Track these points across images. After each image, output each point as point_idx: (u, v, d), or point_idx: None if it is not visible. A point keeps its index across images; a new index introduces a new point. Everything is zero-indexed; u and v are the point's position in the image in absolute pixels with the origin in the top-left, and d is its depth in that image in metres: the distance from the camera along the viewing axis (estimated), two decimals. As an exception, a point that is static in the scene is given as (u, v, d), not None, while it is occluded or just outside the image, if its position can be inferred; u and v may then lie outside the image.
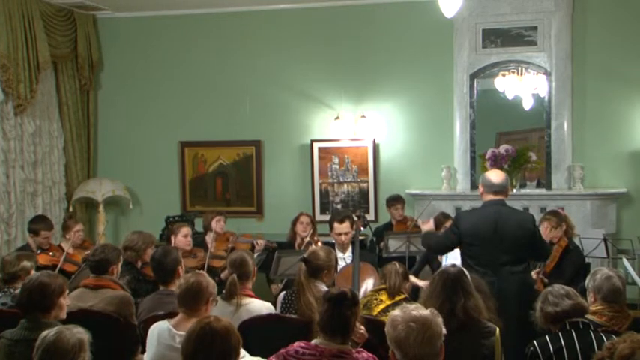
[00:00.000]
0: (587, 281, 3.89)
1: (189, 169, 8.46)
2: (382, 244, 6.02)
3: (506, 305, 4.10)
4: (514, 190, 7.21)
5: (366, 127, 7.88)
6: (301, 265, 3.99)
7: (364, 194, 8.01)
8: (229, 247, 6.12)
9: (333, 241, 5.57)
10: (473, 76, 7.62)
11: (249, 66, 8.26)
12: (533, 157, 7.42)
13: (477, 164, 7.59)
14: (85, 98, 8.44)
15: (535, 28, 7.44)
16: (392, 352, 2.62)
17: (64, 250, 5.94)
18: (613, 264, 6.48)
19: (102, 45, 8.61)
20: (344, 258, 5.40)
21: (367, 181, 7.98)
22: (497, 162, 7.18)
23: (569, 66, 7.43)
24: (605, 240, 6.20)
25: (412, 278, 4.78)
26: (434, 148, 7.84)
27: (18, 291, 4.03)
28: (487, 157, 7.29)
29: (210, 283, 3.57)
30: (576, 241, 5.88)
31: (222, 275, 5.37)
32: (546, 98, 7.48)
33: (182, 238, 5.85)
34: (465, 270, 3.57)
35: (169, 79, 8.48)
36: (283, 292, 4.28)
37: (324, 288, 3.86)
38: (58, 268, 5.36)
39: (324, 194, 8.09)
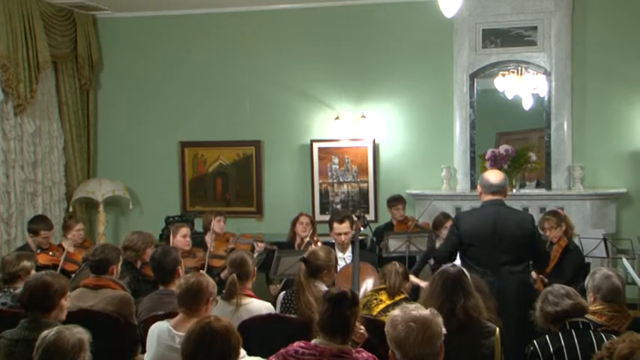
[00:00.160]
0: (586, 281, 3.89)
1: (189, 169, 8.46)
2: (382, 244, 6.02)
3: (506, 305, 4.10)
4: (514, 190, 7.22)
5: (366, 127, 7.88)
6: (301, 266, 3.99)
7: (364, 194, 8.01)
8: (229, 248, 6.11)
9: (333, 241, 5.56)
10: (473, 76, 7.62)
11: (249, 66, 8.26)
12: (533, 157, 7.42)
13: (476, 164, 7.59)
14: (84, 98, 8.44)
15: (535, 28, 7.44)
16: (392, 352, 2.62)
17: (64, 250, 5.94)
18: (613, 264, 6.47)
19: (102, 45, 8.61)
20: (344, 258, 5.40)
21: (367, 181, 7.98)
22: (497, 162, 7.18)
23: (569, 66, 7.44)
24: (605, 240, 6.20)
25: (412, 278, 4.78)
26: (434, 148, 7.84)
27: (18, 291, 4.03)
28: (487, 157, 7.29)
29: (211, 283, 3.57)
30: (576, 241, 5.89)
31: (222, 275, 5.37)
32: (546, 98, 7.48)
33: (181, 238, 5.85)
34: (464, 270, 3.57)
35: (169, 79, 8.48)
36: (283, 292, 4.28)
37: (324, 288, 3.86)
38: (59, 268, 5.35)
39: (324, 194, 8.09)
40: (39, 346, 2.82)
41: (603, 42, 7.43)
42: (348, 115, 7.95)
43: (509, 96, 7.40)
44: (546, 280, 5.17)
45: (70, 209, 8.10)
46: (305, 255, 4.08)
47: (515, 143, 7.52)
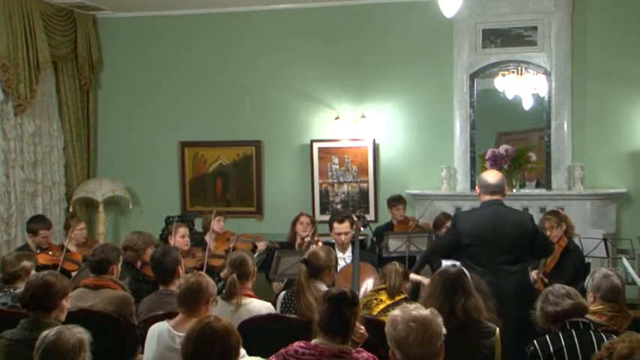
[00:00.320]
0: (586, 281, 3.90)
1: (189, 169, 8.46)
2: (382, 244, 6.02)
3: (506, 305, 4.09)
4: (514, 190, 7.22)
5: (366, 127, 7.88)
6: (301, 266, 3.99)
7: (364, 194, 8.01)
8: (230, 248, 6.11)
9: (333, 241, 5.57)
10: (473, 76, 7.62)
11: (249, 66, 8.26)
12: (533, 157, 7.42)
13: (476, 164, 7.59)
14: (84, 98, 8.44)
15: (535, 28, 7.44)
16: (392, 352, 2.62)
17: (65, 249, 5.93)
18: (613, 264, 6.47)
19: (102, 45, 8.61)
20: (344, 258, 5.40)
21: (367, 181, 7.98)
22: (497, 162, 7.18)
23: (569, 66, 7.44)
24: (605, 240, 6.20)
25: (412, 275, 4.78)
26: (434, 148, 7.84)
27: (18, 291, 4.03)
28: (487, 157, 7.29)
29: (210, 283, 3.57)
30: (576, 241, 5.88)
31: (222, 274, 5.37)
32: (546, 98, 7.48)
33: (180, 238, 5.84)
34: (465, 270, 3.57)
35: (169, 79, 8.48)
36: (283, 292, 4.28)
37: (324, 288, 3.86)
38: (59, 268, 5.35)
39: (324, 194, 8.09)
40: (39, 346, 2.82)
41: (603, 42, 7.43)
42: (348, 115, 7.95)
43: (510, 96, 7.40)
44: (546, 280, 5.17)
45: (70, 209, 8.09)
46: (305, 255, 4.08)
47: (516, 143, 7.52)
